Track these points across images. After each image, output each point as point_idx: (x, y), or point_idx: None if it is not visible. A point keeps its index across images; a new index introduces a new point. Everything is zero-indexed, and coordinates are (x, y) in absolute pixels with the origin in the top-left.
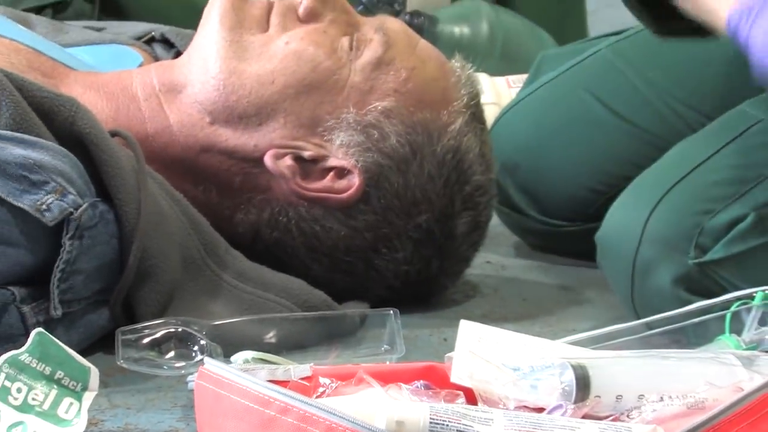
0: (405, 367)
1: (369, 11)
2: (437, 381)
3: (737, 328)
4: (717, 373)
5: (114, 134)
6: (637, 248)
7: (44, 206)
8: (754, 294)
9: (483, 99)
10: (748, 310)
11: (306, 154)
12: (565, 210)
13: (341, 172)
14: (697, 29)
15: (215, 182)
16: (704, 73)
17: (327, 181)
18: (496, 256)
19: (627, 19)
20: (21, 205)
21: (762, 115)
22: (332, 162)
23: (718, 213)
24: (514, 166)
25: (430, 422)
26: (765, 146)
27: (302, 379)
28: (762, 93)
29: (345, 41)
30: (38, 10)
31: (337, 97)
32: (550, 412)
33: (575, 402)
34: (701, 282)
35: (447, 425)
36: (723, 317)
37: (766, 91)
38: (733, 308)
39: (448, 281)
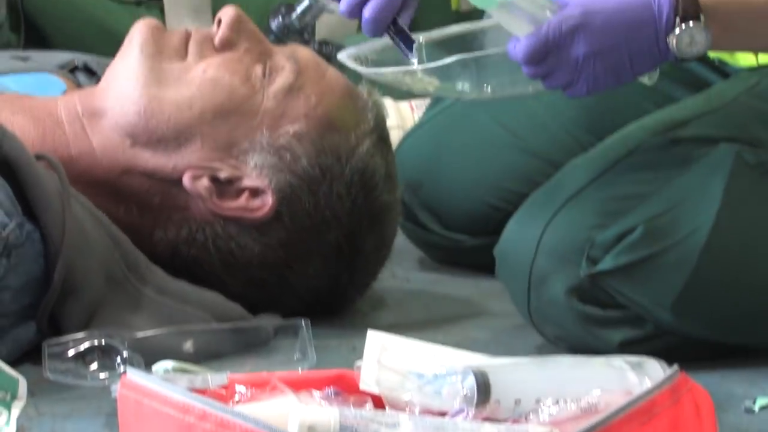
0: (316, 375)
1: (280, 40)
2: (347, 388)
3: None
4: (608, 378)
5: (39, 158)
6: (532, 261)
7: None
8: None
9: (388, 122)
10: None
11: (222, 174)
12: (466, 225)
13: (255, 192)
14: None
15: (136, 202)
16: (598, 98)
17: (242, 200)
18: (402, 270)
19: None
20: None
21: (647, 137)
22: (247, 182)
23: (608, 227)
24: (418, 184)
25: (340, 426)
26: (651, 165)
27: (220, 387)
28: (648, 114)
29: (258, 69)
30: None
31: (252, 121)
32: (452, 416)
33: (476, 406)
34: (593, 292)
35: (356, 429)
36: None
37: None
38: None
39: (356, 294)
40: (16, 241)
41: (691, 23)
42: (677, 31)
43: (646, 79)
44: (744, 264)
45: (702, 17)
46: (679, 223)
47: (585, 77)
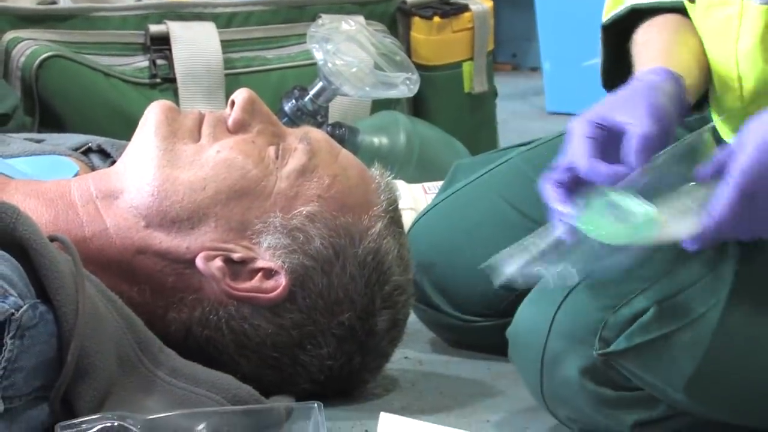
0: None
1: (293, 122)
2: None
3: None
4: None
5: (53, 239)
6: (545, 342)
7: None
8: None
9: (401, 204)
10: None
11: (235, 256)
12: (479, 306)
13: (268, 273)
14: None
15: (149, 282)
16: None
17: (255, 281)
18: (414, 352)
19: (534, 129)
20: None
21: None
22: (260, 263)
23: (621, 308)
24: (430, 265)
25: None
26: (664, 246)
27: None
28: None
29: (272, 150)
30: None
31: (265, 202)
32: None
33: None
34: (606, 373)
35: None
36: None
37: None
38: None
39: (369, 375)
40: (29, 323)
41: None
42: None
43: None
44: (757, 345)
45: None
46: (691, 304)
47: None
